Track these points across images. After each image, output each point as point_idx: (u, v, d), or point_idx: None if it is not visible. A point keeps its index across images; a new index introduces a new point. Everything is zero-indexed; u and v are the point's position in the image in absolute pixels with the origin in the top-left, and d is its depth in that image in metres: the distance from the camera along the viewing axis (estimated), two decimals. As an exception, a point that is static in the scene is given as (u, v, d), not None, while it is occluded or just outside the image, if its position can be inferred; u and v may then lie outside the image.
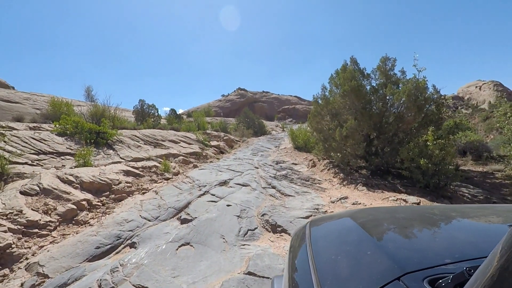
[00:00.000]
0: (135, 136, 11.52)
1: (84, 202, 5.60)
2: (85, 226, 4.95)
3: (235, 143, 17.39)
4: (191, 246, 3.69)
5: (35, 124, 10.32)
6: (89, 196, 5.99)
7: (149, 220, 4.69)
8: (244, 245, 3.75)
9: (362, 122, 6.73)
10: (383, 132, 7.20)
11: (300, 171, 8.27)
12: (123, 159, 9.22)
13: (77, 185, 6.17)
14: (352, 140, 6.76)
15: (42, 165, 7.75)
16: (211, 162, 11.13)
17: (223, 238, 3.89)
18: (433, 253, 0.94)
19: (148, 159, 9.61)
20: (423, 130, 6.75)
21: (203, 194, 5.88)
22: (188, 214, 4.83)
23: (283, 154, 11.82)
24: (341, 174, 7.13)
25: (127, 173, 7.88)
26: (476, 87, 45.69)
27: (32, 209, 4.96)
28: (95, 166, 8.05)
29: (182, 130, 16.36)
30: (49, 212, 5.03)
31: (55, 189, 5.64)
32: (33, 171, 7.18)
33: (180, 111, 29.89)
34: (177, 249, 3.60)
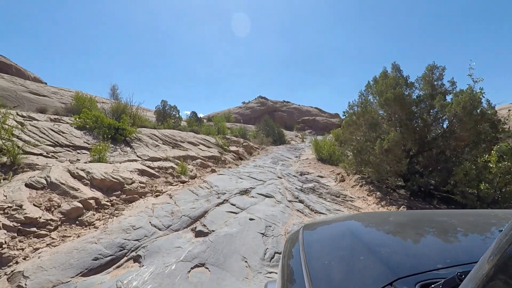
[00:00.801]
0: (154, 135, 11.03)
1: (92, 201, 5.00)
2: (89, 229, 4.33)
3: (254, 150, 16.69)
4: (207, 268, 2.95)
5: (56, 116, 10.02)
6: (98, 194, 5.40)
7: (160, 229, 4.00)
8: (270, 272, 2.97)
9: (406, 135, 5.84)
10: (428, 148, 6.27)
11: (328, 185, 7.41)
12: (140, 157, 8.68)
13: (87, 182, 5.60)
14: (393, 155, 5.88)
15: (56, 158, 7.30)
16: (229, 167, 10.45)
17: (245, 261, 3.13)
18: (425, 258, 0.93)
19: (165, 159, 9.04)
20: (475, 149, 5.78)
21: (222, 202, 5.16)
22: (205, 225, 4.11)
23: (306, 165, 10.97)
24: (378, 193, 6.23)
25: (142, 172, 7.29)
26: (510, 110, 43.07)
27: (34, 205, 4.39)
28: (110, 163, 7.52)
29: (202, 133, 15.85)
30: (52, 209, 4.44)
31: (63, 184, 5.09)
32: (46, 163, 6.72)
33: (200, 115, 29.58)
34: (189, 271, 2.88)
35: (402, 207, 5.35)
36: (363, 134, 7.08)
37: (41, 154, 7.12)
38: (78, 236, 3.93)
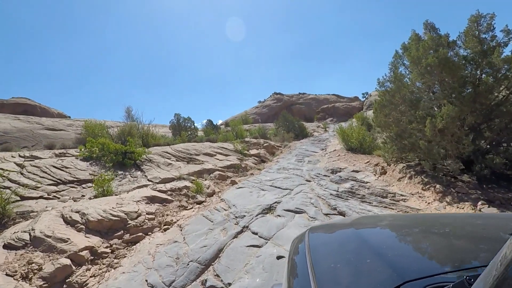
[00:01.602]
0: (166, 152, 10.09)
1: (84, 253, 4.01)
2: (79, 294, 3.32)
3: (276, 149, 15.43)
4: None
5: (61, 151, 9.34)
6: (95, 240, 4.42)
7: (158, 290, 2.89)
8: None
9: (464, 106, 4.37)
10: (492, 118, 4.74)
11: (367, 182, 6.03)
12: (151, 181, 7.73)
13: (81, 226, 4.64)
14: (450, 135, 4.42)
15: (59, 198, 6.49)
16: (251, 174, 9.28)
17: None
18: (433, 261, 0.91)
19: (179, 178, 8.02)
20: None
21: (241, 231, 3.98)
22: (217, 276, 2.95)
23: (335, 159, 9.56)
24: (437, 186, 4.79)
25: (151, 200, 6.30)
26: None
27: (6, 274, 3.45)
28: (116, 194, 6.60)
29: (219, 141, 14.82)
30: (30, 276, 3.47)
31: (48, 236, 4.14)
32: (46, 207, 5.90)
33: (219, 121, 28.76)
34: None
35: (480, 203, 3.89)
36: (401, 115, 5.62)
37: (41, 197, 6.33)
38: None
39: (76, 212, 4.98)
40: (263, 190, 6.05)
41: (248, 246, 3.48)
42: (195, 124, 18.20)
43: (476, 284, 0.53)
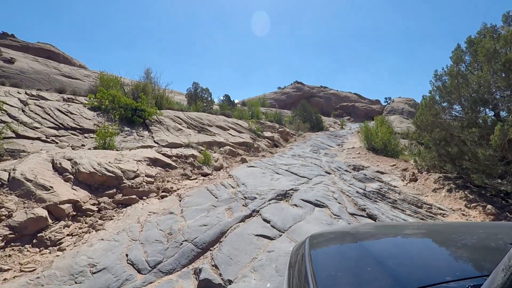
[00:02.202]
0: (178, 117, 9.42)
1: (66, 206, 3.40)
2: (49, 253, 2.72)
3: (290, 136, 14.62)
4: None
5: (70, 96, 8.76)
6: (82, 194, 3.80)
7: (140, 271, 2.24)
8: None
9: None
10: None
11: (395, 186, 5.24)
12: (157, 143, 7.09)
13: (70, 176, 4.02)
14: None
15: (57, 142, 5.91)
16: (263, 156, 8.56)
17: None
18: (434, 270, 0.87)
19: (187, 145, 7.36)
20: None
21: (250, 216, 3.29)
22: (215, 267, 2.27)
23: (355, 156, 8.73)
24: (487, 206, 3.96)
25: (154, 162, 5.66)
26: None
27: (-32, 214, 2.85)
28: (118, 150, 5.99)
29: (234, 117, 14.07)
30: (-5, 221, 2.88)
31: (29, 180, 3.53)
32: (40, 149, 5.33)
33: (236, 101, 27.92)
34: None
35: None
36: (455, 117, 4.72)
37: (38, 138, 5.75)
38: (14, 277, 2.30)
39: (68, 159, 4.37)
40: (277, 173, 5.31)
41: (257, 235, 2.78)
42: (212, 97, 17.43)
43: None
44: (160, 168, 5.66)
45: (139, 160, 5.37)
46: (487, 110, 4.71)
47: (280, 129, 14.52)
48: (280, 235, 2.81)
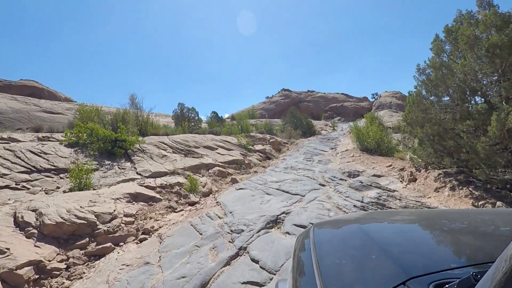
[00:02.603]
0: (163, 143, 8.98)
1: (25, 270, 2.92)
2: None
3: (282, 145, 14.25)
4: None
5: (46, 134, 8.30)
6: (47, 251, 3.33)
7: None
8: None
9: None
10: None
11: (395, 190, 4.85)
12: (140, 174, 6.64)
13: (33, 231, 3.55)
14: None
15: (28, 188, 5.43)
16: (255, 172, 8.15)
17: None
18: (439, 257, 0.86)
19: (173, 173, 6.92)
20: None
21: (236, 255, 2.85)
22: None
23: (349, 160, 8.36)
24: (497, 203, 3.58)
25: (135, 197, 5.21)
26: None
27: None
28: (95, 188, 5.52)
29: (223, 134, 13.69)
30: None
31: (-19, 244, 3.05)
32: (8, 199, 4.85)
33: (226, 115, 27.60)
34: None
35: None
36: (445, 110, 4.38)
37: (7, 186, 5.27)
38: None
39: (33, 210, 3.90)
40: (267, 194, 4.89)
41: (244, 283, 2.34)
42: (199, 116, 17.07)
43: (482, 281, 0.51)
44: (142, 203, 5.21)
45: (117, 198, 4.92)
46: (477, 98, 4.41)
47: (271, 140, 14.15)
48: (271, 278, 2.38)
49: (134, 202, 5.10)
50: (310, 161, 9.28)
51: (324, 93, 45.15)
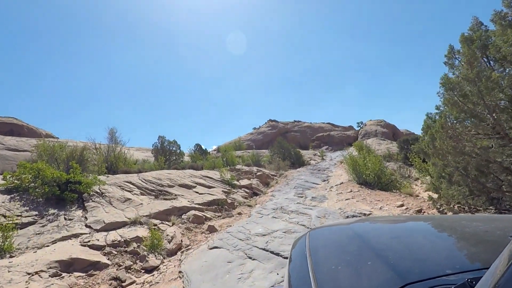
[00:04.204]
0: (129, 183, 7.47)
1: None
2: None
3: (271, 178, 12.90)
4: None
5: (-18, 177, 6.67)
6: None
7: None
8: None
9: None
10: None
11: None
12: (90, 226, 5.09)
13: None
14: None
15: None
16: (238, 214, 6.71)
17: None
18: (434, 263, 0.85)
19: (134, 222, 5.40)
20: None
21: None
22: None
23: (348, 196, 7.06)
24: None
25: (68, 266, 3.67)
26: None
27: None
28: (12, 255, 3.94)
29: (206, 168, 12.27)
30: None
31: None
32: None
33: (213, 147, 26.29)
34: None
35: None
36: (488, 136, 3.23)
37: None
38: None
39: None
40: (250, 257, 3.43)
41: None
42: (181, 149, 15.67)
43: (478, 287, 0.52)
44: (78, 275, 3.65)
45: (37, 272, 3.36)
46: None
47: (258, 173, 12.79)
48: None
49: (63, 275, 3.54)
50: (302, 197, 7.95)
51: (311, 123, 44.89)
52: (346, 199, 6.79)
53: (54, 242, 4.44)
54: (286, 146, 20.60)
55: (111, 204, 6.09)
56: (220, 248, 3.93)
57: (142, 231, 5.00)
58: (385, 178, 7.57)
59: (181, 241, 4.93)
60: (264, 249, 3.60)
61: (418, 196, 6.21)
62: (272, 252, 3.48)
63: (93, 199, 6.24)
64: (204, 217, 6.31)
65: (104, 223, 5.18)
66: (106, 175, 8.29)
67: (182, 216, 6.17)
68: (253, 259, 3.35)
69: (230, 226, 5.54)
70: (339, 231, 1.34)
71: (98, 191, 6.59)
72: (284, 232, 4.28)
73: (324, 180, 11.49)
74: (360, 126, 42.55)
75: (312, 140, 39.51)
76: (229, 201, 7.90)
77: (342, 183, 9.41)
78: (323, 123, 44.84)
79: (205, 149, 18.27)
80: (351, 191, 7.62)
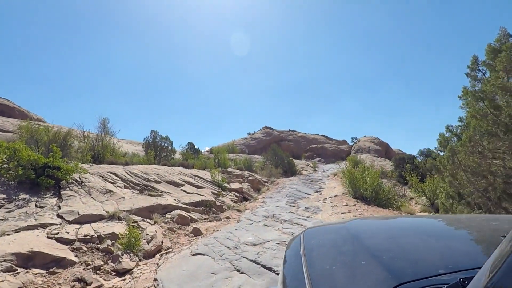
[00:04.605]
0: (113, 174, 6.94)
1: None
2: None
3: (262, 185, 12.45)
4: None
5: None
6: None
7: None
8: None
9: None
10: None
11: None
12: (62, 217, 4.56)
13: None
14: None
15: None
16: (227, 219, 6.25)
17: None
18: (428, 263, 0.84)
19: (112, 217, 4.88)
20: None
21: None
22: None
23: (343, 209, 6.67)
24: None
25: (27, 260, 3.17)
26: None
27: None
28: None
29: (196, 167, 11.76)
30: None
31: None
32: None
33: (206, 148, 25.67)
34: None
35: None
36: None
37: None
38: None
39: None
40: (238, 270, 2.98)
41: None
42: (173, 146, 15.11)
43: (470, 286, 0.52)
44: (37, 272, 3.14)
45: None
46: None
47: (250, 178, 12.34)
48: None
49: (19, 271, 3.03)
50: (294, 206, 7.55)
51: (305, 133, 44.72)
52: (342, 213, 6.40)
53: (17, 231, 3.90)
54: (280, 154, 20.24)
55: (90, 195, 5.56)
56: (204, 255, 3.46)
57: (119, 227, 4.50)
58: (383, 194, 7.21)
59: (162, 242, 4.44)
60: (254, 262, 3.14)
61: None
62: (264, 266, 3.02)
63: (71, 187, 5.69)
64: (189, 218, 5.82)
65: (79, 214, 4.65)
66: (90, 164, 7.74)
67: (166, 215, 5.67)
68: (242, 273, 2.90)
69: (217, 230, 5.07)
70: (334, 231, 1.33)
71: (78, 179, 6.05)
72: (278, 243, 3.83)
73: (317, 191, 11.09)
74: (354, 141, 42.59)
75: (306, 151, 39.26)
76: (218, 203, 7.42)
77: (336, 195, 9.03)
78: (318, 134, 44.70)
79: (198, 148, 17.73)
80: (346, 205, 7.24)
